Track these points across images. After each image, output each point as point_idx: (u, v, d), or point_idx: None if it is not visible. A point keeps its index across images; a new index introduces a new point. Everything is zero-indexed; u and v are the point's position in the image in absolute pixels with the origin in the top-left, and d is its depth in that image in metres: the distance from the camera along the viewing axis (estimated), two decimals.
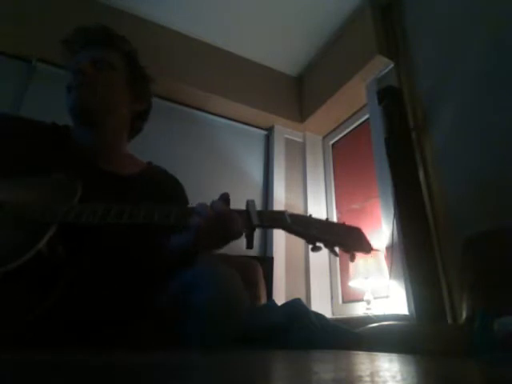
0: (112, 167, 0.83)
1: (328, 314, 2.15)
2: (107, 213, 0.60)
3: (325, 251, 0.65)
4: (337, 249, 0.65)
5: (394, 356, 0.47)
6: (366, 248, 0.66)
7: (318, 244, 0.63)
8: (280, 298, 2.00)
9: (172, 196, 0.90)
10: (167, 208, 0.63)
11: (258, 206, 2.46)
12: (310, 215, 0.68)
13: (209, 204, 0.64)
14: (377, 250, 1.82)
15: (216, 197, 0.68)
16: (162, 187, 0.88)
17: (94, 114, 0.80)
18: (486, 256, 1.20)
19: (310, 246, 0.64)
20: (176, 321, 0.65)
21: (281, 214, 0.65)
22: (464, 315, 1.19)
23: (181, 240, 0.68)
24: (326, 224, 0.66)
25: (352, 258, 0.66)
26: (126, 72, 0.88)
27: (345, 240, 0.65)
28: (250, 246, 0.64)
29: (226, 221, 0.61)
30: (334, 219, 2.40)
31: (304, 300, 2.03)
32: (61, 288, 0.61)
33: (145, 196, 0.77)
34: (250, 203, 0.66)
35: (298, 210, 2.46)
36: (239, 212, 0.64)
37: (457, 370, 0.39)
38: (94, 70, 0.81)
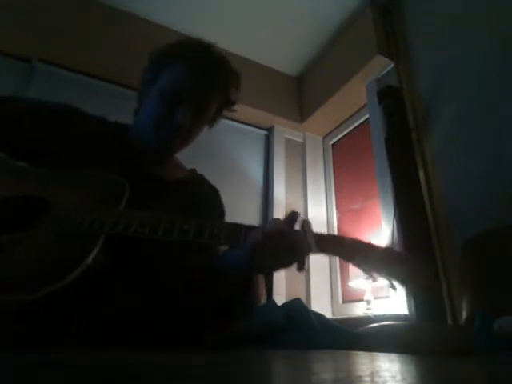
0: (160, 172, 0.83)
1: (328, 314, 2.15)
2: (157, 226, 0.58)
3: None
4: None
5: (393, 356, 0.47)
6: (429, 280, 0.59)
7: (374, 275, 0.58)
8: (280, 298, 1.99)
9: (212, 207, 0.90)
10: (218, 224, 0.60)
11: (258, 206, 2.46)
12: (370, 243, 0.61)
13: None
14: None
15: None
16: (204, 196, 0.89)
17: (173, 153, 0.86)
18: (486, 256, 1.20)
19: (366, 276, 0.59)
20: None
21: (340, 239, 0.59)
22: (464, 315, 1.19)
23: (235, 257, 0.66)
24: (386, 253, 0.60)
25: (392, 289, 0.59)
26: (216, 112, 0.87)
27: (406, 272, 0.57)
28: (300, 268, 0.57)
29: (289, 240, 0.56)
30: (334, 219, 2.40)
31: (304, 300, 2.02)
32: (115, 299, 0.60)
33: (184, 203, 0.78)
34: (305, 224, 0.60)
35: (298, 210, 2.45)
36: None
37: (457, 369, 0.39)
38: (193, 121, 0.79)
